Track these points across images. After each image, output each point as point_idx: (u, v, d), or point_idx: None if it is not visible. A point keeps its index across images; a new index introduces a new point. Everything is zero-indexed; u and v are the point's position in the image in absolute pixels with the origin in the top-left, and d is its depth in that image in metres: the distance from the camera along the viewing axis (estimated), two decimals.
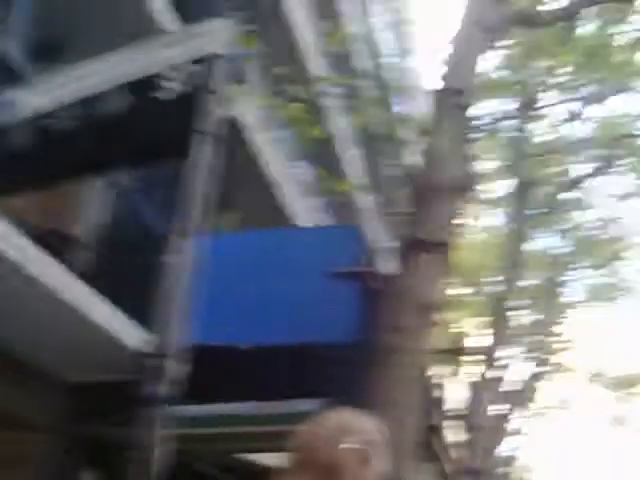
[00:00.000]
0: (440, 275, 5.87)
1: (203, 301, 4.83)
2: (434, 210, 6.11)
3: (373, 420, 2.31)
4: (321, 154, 12.89)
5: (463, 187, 6.38)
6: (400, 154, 13.47)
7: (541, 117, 16.32)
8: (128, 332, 7.24)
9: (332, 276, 6.94)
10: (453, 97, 6.52)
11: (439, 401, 11.48)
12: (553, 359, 19.68)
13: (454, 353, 13.46)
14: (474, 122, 7.94)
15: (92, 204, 8.20)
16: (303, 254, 7.44)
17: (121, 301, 7.19)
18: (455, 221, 6.34)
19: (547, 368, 18.53)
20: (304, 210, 13.73)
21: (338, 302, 6.90)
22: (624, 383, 29.72)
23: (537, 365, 17.86)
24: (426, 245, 5.86)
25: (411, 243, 5.98)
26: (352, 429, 2.24)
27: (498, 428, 14.20)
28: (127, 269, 7.69)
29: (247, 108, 10.65)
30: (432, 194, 6.20)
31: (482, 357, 13.51)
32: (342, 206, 14.68)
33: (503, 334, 13.63)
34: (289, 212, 12.79)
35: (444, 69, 6.82)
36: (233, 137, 10.59)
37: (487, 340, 13.84)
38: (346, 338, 6.51)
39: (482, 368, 13.44)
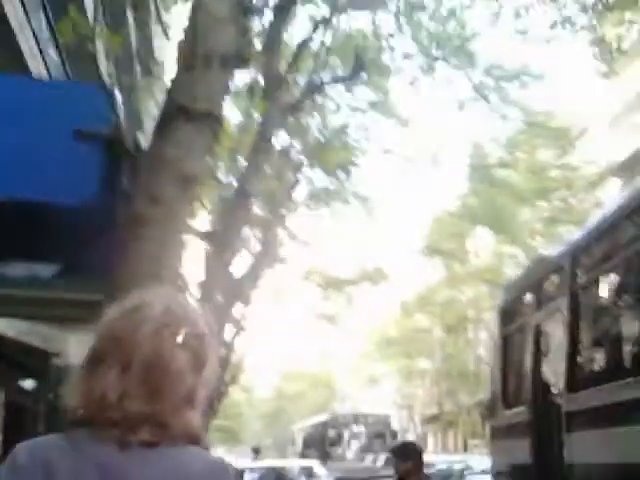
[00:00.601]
0: (204, 148, 5.45)
1: None
2: (202, 79, 5.65)
3: (199, 309, 1.76)
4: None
5: (235, 60, 5.95)
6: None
7: (292, 17, 16.23)
8: None
9: (73, 135, 6.23)
10: None
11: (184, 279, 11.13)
12: (274, 252, 20.07)
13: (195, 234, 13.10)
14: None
15: None
16: (41, 107, 6.61)
17: None
18: (223, 94, 5.92)
19: (268, 260, 18.81)
20: (45, 62, 12.51)
21: (78, 163, 6.21)
22: (334, 284, 31.39)
23: (259, 256, 18.06)
24: (190, 114, 5.41)
25: (174, 111, 5.49)
26: (184, 319, 1.66)
27: (223, 313, 14.17)
28: None
29: None
30: (201, 62, 5.72)
31: (214, 239, 13.27)
32: (86, 62, 13.46)
33: (236, 221, 13.43)
34: (28, 62, 11.56)
35: None
36: None
37: (220, 224, 13.64)
38: (85, 202, 5.88)
39: (214, 250, 13.22)
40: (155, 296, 1.70)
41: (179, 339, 1.61)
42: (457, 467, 13.93)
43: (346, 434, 32.48)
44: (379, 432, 31.86)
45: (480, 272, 34.97)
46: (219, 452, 35.40)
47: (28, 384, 12.00)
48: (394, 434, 32.68)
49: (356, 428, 32.51)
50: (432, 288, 40.92)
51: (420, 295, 41.70)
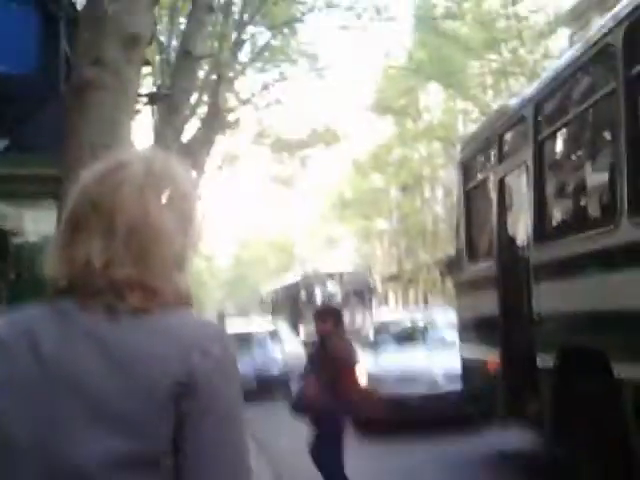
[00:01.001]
0: (146, 4, 5.04)
1: None
2: None
3: (183, 165, 1.58)
4: None
5: None
6: None
7: None
8: None
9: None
10: None
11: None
12: (224, 117, 19.58)
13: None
14: None
15: None
16: None
17: None
18: None
19: (218, 126, 18.30)
20: None
21: (13, 29, 5.78)
22: (288, 146, 31.00)
23: (209, 122, 17.52)
24: None
25: None
26: (168, 178, 1.50)
27: None
28: None
29: None
30: None
31: (162, 103, 12.77)
32: None
33: (183, 84, 12.88)
34: None
35: None
36: None
37: (166, 87, 13.09)
38: (26, 70, 5.50)
39: (162, 115, 12.77)
40: (134, 155, 1.54)
41: (164, 199, 1.47)
42: (421, 323, 14.21)
43: (321, 294, 30.07)
44: (356, 290, 29.61)
45: (433, 129, 34.70)
46: None
47: None
48: (372, 291, 31.12)
49: (331, 287, 30.47)
50: (385, 146, 40.56)
51: (373, 154, 41.34)
